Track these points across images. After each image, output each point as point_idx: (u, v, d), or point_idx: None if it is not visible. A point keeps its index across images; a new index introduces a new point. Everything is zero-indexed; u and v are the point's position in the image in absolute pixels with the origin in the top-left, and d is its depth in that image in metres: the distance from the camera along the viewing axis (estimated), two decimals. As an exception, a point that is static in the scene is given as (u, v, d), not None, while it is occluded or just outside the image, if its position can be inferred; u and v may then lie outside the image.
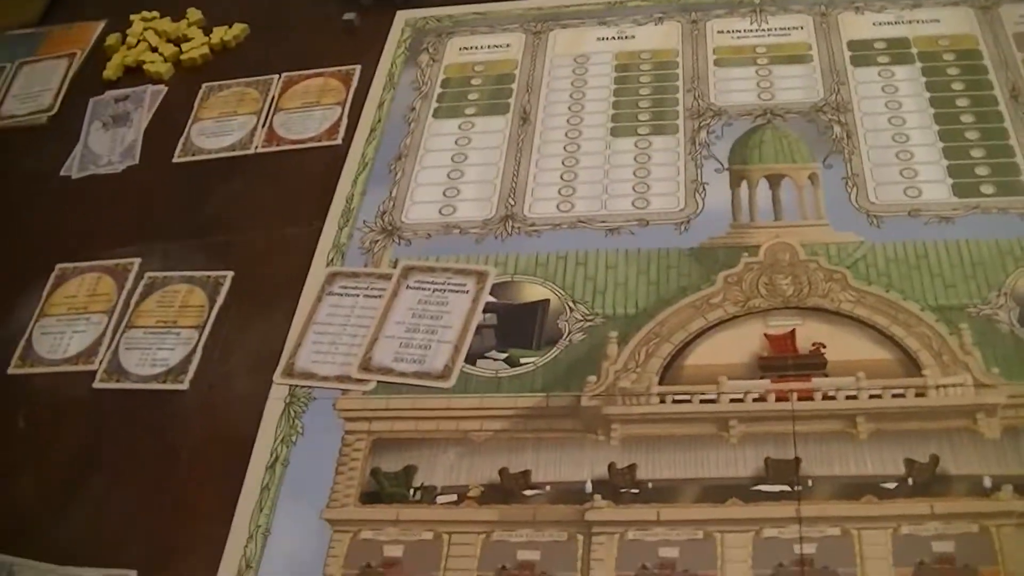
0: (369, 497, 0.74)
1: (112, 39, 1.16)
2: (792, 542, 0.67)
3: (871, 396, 0.73)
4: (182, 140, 1.05)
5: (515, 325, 0.82)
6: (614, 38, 1.07)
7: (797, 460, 0.71)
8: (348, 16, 1.14)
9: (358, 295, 0.86)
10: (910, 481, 0.69)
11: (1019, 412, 0.71)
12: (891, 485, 0.69)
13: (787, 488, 0.70)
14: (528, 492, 0.73)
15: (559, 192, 0.92)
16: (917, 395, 0.73)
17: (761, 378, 0.76)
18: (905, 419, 0.72)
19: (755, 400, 0.75)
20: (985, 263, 0.80)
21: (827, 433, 0.72)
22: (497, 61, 1.07)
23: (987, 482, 0.68)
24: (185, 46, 1.14)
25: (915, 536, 0.67)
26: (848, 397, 0.74)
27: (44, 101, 1.13)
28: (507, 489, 0.73)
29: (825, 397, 0.74)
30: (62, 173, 1.05)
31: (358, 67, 1.08)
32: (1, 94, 1.16)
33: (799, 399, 0.74)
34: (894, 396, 0.73)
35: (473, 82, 1.05)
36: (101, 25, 1.21)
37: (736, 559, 0.67)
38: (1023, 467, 0.68)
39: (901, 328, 0.77)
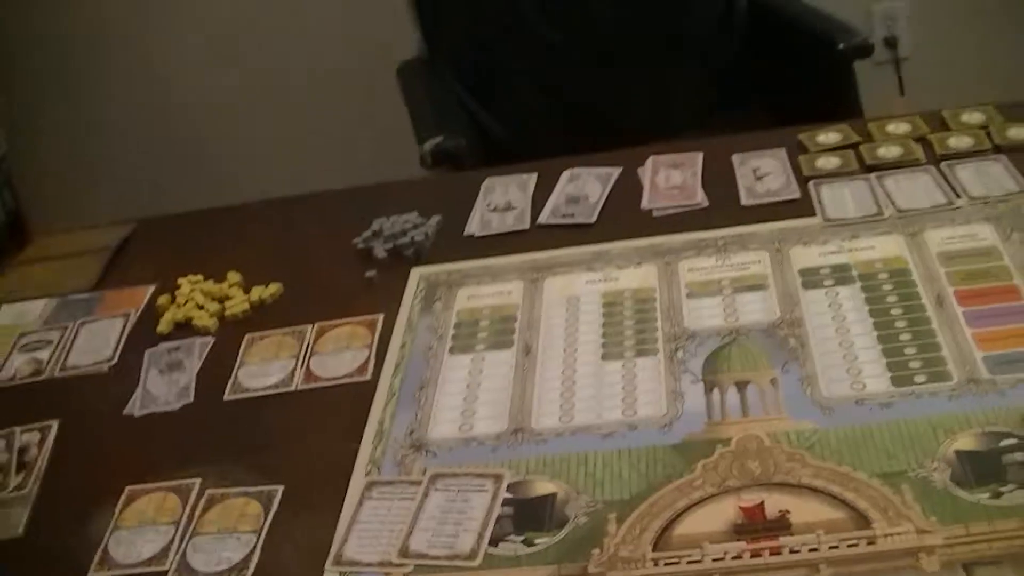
0: None
1: (163, 299, 1.34)
2: None
3: (830, 548, 0.88)
4: (231, 382, 1.21)
5: (529, 514, 0.97)
6: (600, 280, 1.26)
7: None
8: (369, 273, 1.33)
9: (393, 499, 1.01)
10: None
11: (954, 550, 0.86)
12: None
13: None
14: None
15: (560, 407, 1.09)
16: (868, 543, 0.88)
17: (737, 540, 0.90)
18: (859, 562, 0.87)
19: (733, 558, 0.89)
20: (920, 437, 0.96)
21: None
22: (501, 305, 1.25)
23: None
24: (228, 303, 1.32)
25: None
26: (811, 550, 0.88)
27: (105, 353, 1.30)
28: None
29: (792, 551, 0.88)
30: (125, 412, 1.20)
31: (381, 315, 1.26)
32: (67, 349, 1.32)
33: (770, 555, 0.89)
34: (849, 546, 0.88)
35: (481, 323, 1.22)
36: (151, 288, 1.39)
37: None
38: None
39: (852, 493, 0.92)
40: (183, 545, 1.02)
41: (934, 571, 0.85)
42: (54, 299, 1.44)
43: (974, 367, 1.03)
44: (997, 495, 0.90)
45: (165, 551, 1.01)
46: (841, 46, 2.00)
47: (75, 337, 1.35)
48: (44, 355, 1.33)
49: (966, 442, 0.95)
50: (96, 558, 1.03)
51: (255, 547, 1.00)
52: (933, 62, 2.51)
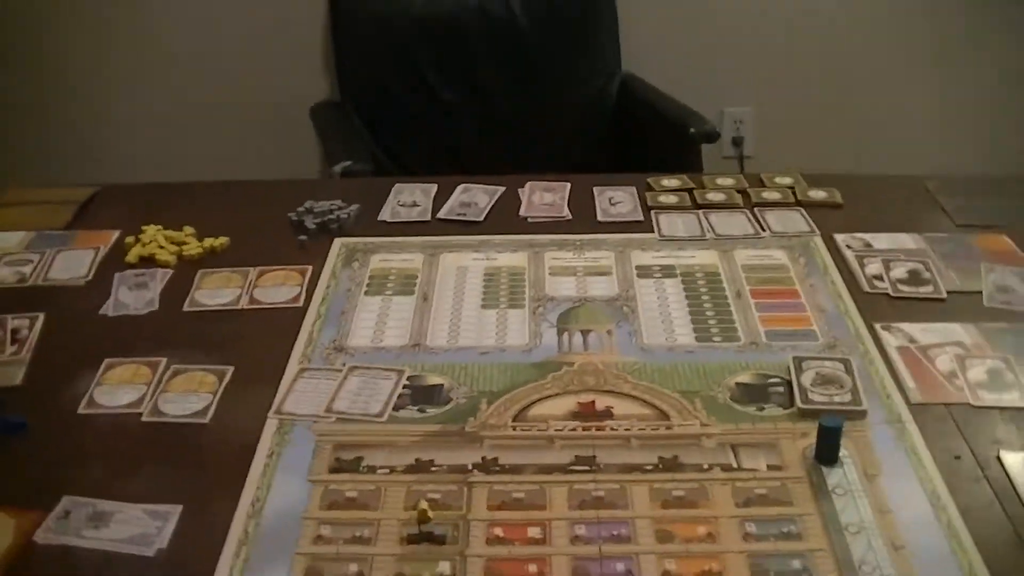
0: (334, 471, 1.21)
1: (129, 239, 1.66)
2: (591, 490, 1.17)
3: (639, 430, 1.25)
4: (188, 299, 1.53)
5: (423, 395, 1.32)
6: (484, 259, 1.62)
7: (594, 456, 1.22)
8: (301, 238, 1.67)
9: (320, 379, 1.35)
10: (659, 465, 1.20)
11: (726, 437, 1.23)
12: (649, 466, 1.20)
13: (588, 468, 1.20)
14: (434, 469, 1.21)
15: (448, 333, 1.44)
16: (666, 429, 1.25)
17: (574, 422, 1.27)
18: (659, 439, 1.23)
19: (571, 430, 1.26)
20: (712, 373, 1.34)
21: (613, 447, 1.23)
22: (405, 268, 1.60)
23: (705, 465, 1.20)
24: (184, 247, 1.65)
25: (662, 489, 1.17)
26: (626, 430, 1.25)
27: (80, 272, 1.60)
28: (420, 468, 1.21)
29: (612, 430, 1.25)
30: (100, 312, 1.52)
31: (310, 267, 1.60)
32: (47, 267, 1.62)
33: (596, 430, 1.25)
34: (653, 430, 1.25)
35: (390, 278, 1.58)
36: (117, 233, 1.70)
37: (558, 498, 1.16)
38: (727, 459, 1.20)
39: (659, 400, 1.29)
40: (154, 397, 1.33)
41: (711, 447, 1.22)
42: (31, 232, 1.74)
43: (757, 335, 1.42)
44: (761, 409, 1.28)
45: (140, 400, 1.33)
46: (692, 130, 2.43)
47: (53, 260, 1.65)
48: (27, 270, 1.63)
49: (744, 378, 1.34)
50: (84, 401, 1.33)
51: (212, 402, 1.32)
52: (772, 160, 2.97)
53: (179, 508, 1.14)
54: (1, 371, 1.40)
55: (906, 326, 1.43)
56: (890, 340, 1.40)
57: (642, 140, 2.67)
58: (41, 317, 1.49)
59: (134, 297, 1.54)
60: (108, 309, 1.52)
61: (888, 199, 1.80)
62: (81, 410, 1.31)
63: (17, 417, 1.28)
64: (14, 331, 1.47)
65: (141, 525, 1.12)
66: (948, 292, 1.51)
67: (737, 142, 2.97)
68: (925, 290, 1.52)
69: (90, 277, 1.60)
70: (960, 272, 1.56)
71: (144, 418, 1.29)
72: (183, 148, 3.00)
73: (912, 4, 2.98)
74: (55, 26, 2.99)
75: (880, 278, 1.54)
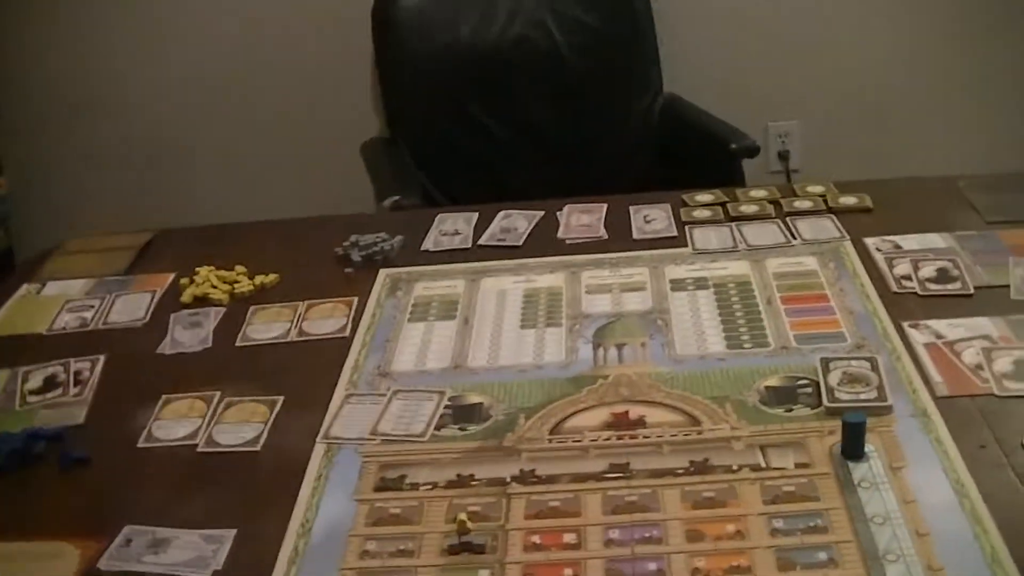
0: (379, 489, 1.27)
1: (184, 281, 1.73)
2: (624, 495, 1.21)
3: (671, 436, 1.30)
4: (240, 334, 1.60)
5: (464, 413, 1.38)
6: (523, 282, 1.68)
7: (628, 463, 1.26)
8: (348, 270, 1.74)
9: (366, 404, 1.41)
10: (690, 468, 1.25)
11: (755, 439, 1.27)
12: (680, 470, 1.25)
13: (621, 475, 1.25)
14: (473, 483, 1.26)
15: (488, 354, 1.50)
16: (697, 434, 1.30)
17: (608, 431, 1.32)
18: (690, 444, 1.28)
19: (604, 439, 1.30)
20: (742, 377, 1.38)
21: (646, 453, 1.28)
22: (448, 294, 1.66)
23: (734, 466, 1.24)
24: (236, 285, 1.72)
25: (693, 491, 1.21)
26: (658, 437, 1.30)
27: (139, 315, 1.68)
28: (461, 483, 1.27)
29: (644, 438, 1.30)
30: (157, 351, 1.59)
31: (356, 298, 1.66)
32: (107, 312, 1.70)
33: (630, 438, 1.30)
34: (684, 435, 1.30)
35: (432, 304, 1.64)
36: (173, 275, 1.78)
37: (592, 504, 1.21)
38: (756, 459, 1.24)
39: (690, 406, 1.34)
40: (209, 429, 1.40)
41: (740, 449, 1.26)
42: (93, 279, 1.82)
43: (787, 340, 1.46)
44: (789, 410, 1.32)
45: (196, 432, 1.40)
46: (733, 146, 2.48)
47: (112, 304, 1.73)
48: (88, 315, 1.71)
49: (773, 381, 1.38)
50: (143, 435, 1.40)
51: (263, 431, 1.38)
52: (819, 173, 3.00)
53: (233, 532, 1.20)
54: (65, 411, 1.47)
55: (933, 323, 1.46)
56: (917, 337, 1.44)
57: (686, 160, 2.71)
58: (102, 359, 1.57)
59: (189, 336, 1.61)
60: (165, 348, 1.59)
61: (919, 200, 1.83)
62: (140, 444, 1.38)
63: (80, 452, 1.35)
64: (76, 373, 1.55)
65: (198, 549, 1.19)
66: (976, 288, 1.54)
67: (783, 156, 3.00)
68: (953, 287, 1.55)
69: (147, 319, 1.68)
70: (988, 268, 1.59)
71: (199, 448, 1.36)
72: (237, 191, 3.09)
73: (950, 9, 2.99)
74: (109, 77, 3.09)
75: (908, 278, 1.57)
